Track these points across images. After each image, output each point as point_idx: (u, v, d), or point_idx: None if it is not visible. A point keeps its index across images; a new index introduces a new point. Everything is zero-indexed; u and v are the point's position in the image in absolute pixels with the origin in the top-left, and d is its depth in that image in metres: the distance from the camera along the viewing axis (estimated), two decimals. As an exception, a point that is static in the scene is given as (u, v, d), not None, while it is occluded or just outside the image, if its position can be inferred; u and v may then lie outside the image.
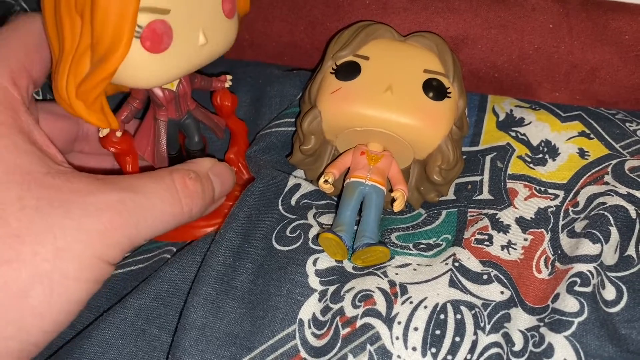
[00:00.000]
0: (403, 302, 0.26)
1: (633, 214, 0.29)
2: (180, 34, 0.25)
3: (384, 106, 0.30)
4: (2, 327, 0.21)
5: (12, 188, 0.22)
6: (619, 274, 0.27)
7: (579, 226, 0.29)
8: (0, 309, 0.20)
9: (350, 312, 0.26)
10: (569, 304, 0.26)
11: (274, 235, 0.29)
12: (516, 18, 0.35)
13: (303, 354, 0.26)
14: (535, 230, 0.30)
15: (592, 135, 0.34)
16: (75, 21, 0.23)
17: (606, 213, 0.29)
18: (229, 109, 0.33)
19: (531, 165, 0.33)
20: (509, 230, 0.30)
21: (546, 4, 0.34)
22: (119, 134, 0.28)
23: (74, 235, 0.22)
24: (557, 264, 0.28)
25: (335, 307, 0.27)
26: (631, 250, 0.28)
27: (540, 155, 0.33)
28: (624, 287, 0.27)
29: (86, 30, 0.23)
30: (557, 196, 0.31)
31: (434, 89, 0.30)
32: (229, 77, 0.32)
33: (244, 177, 0.35)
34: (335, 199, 0.33)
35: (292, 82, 0.37)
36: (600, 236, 0.28)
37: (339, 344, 0.26)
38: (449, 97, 0.30)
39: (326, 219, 0.30)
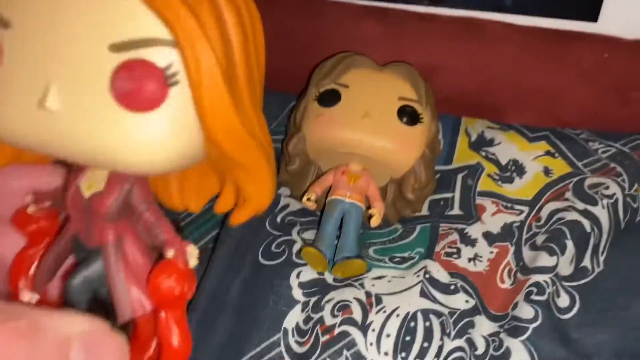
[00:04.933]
0: (377, 312, 0.29)
1: (588, 228, 0.31)
2: (17, 62, 0.16)
3: (362, 131, 0.32)
4: None
5: None
6: (574, 283, 0.30)
7: (539, 240, 0.32)
8: None
9: (329, 320, 0.29)
10: (525, 311, 0.28)
11: (260, 250, 0.32)
12: (483, 48, 0.38)
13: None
14: (501, 243, 0.33)
15: (556, 154, 0.36)
16: None
17: (563, 227, 0.31)
18: (165, 300, 0.18)
19: (499, 182, 0.36)
20: (476, 243, 0.32)
21: (510, 34, 0.37)
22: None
23: None
24: (518, 274, 0.31)
25: (316, 316, 0.29)
26: (586, 262, 0.31)
27: (508, 174, 0.36)
28: (577, 295, 0.29)
29: None
30: (522, 212, 0.34)
31: (408, 115, 0.33)
32: (193, 248, 0.18)
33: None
34: (319, 213, 0.36)
35: (276, 100, 0.39)
36: (557, 249, 0.30)
37: (318, 350, 0.28)
38: (422, 122, 0.33)
39: (309, 234, 0.33)
